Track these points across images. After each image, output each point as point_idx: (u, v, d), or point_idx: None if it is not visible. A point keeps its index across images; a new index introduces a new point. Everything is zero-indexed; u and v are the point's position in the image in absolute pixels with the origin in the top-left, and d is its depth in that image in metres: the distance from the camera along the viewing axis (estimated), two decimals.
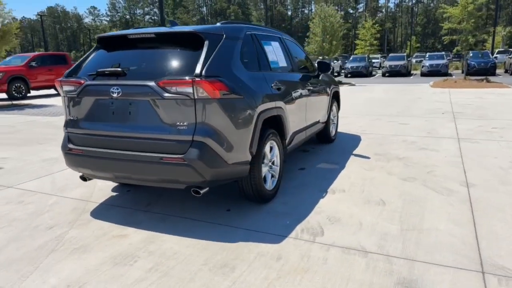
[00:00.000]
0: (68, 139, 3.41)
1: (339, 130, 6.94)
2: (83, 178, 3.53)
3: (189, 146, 2.89)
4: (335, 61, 28.39)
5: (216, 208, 3.58)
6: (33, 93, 16.12)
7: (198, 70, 2.88)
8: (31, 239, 3.08)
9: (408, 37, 53.26)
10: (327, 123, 5.73)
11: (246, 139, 3.18)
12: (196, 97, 2.84)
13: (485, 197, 3.66)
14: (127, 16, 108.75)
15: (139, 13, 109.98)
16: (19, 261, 2.74)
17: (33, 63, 15.89)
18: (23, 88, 15.37)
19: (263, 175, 3.52)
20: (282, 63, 4.22)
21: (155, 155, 2.96)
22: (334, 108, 6.10)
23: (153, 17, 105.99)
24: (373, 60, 33.22)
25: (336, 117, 6.28)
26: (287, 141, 4.04)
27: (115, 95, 3.03)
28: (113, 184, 4.24)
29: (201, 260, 2.68)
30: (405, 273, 2.45)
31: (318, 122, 5.29)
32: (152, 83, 2.90)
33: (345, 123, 7.73)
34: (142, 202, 3.77)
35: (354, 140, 6.23)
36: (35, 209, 3.70)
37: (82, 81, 3.21)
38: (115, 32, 3.47)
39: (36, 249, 2.91)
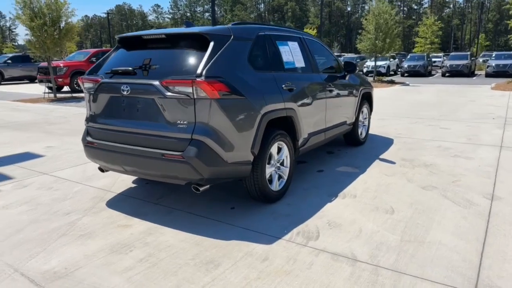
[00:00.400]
0: (87, 132, 3.67)
1: (373, 132, 6.75)
2: (101, 170, 3.78)
3: (188, 144, 2.99)
4: (391, 60, 27.30)
5: (221, 205, 3.66)
6: None
7: (199, 70, 2.97)
8: (48, 222, 3.36)
9: (477, 35, 49.54)
10: (355, 125, 5.59)
11: (248, 139, 3.22)
12: (195, 97, 2.94)
13: (507, 212, 3.39)
14: (188, 14, 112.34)
15: (199, 10, 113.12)
16: (32, 241, 3.01)
17: (93, 59, 17.02)
18: None
19: (267, 175, 3.54)
20: (300, 63, 4.19)
21: (157, 151, 3.10)
22: (364, 109, 5.93)
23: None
24: (435, 59, 31.44)
25: (367, 119, 6.09)
26: (299, 142, 4.01)
27: (125, 92, 3.22)
28: (134, 176, 4.48)
29: (191, 255, 2.77)
30: (388, 286, 2.37)
31: (344, 123, 5.18)
32: (156, 82, 3.04)
33: (382, 125, 7.47)
34: (155, 195, 3.95)
35: (385, 144, 6.01)
36: (60, 195, 4.02)
37: (99, 79, 3.44)
38: (132, 33, 3.65)
39: (49, 232, 3.17)
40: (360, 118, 5.80)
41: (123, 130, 3.32)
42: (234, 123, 3.10)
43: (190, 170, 3.00)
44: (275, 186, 3.69)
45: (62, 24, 13.35)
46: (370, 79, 19.49)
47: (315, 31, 32.63)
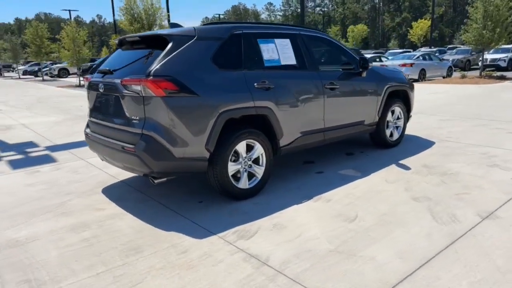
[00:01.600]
0: (87, 125, 4.19)
1: (420, 134, 6.16)
2: (101, 158, 4.27)
3: (139, 138, 3.23)
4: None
5: (191, 198, 3.83)
6: None
7: (149, 70, 3.18)
8: (47, 200, 3.95)
9: None
10: (379, 125, 5.18)
11: (201, 136, 3.32)
12: (143, 94, 3.16)
13: (489, 235, 2.87)
14: (299, 10, 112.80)
15: (311, 5, 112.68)
16: (23, 214, 3.60)
17: None
18: None
19: (232, 172, 3.58)
20: (288, 61, 4.08)
21: (120, 143, 3.41)
22: (397, 109, 5.43)
23: (323, 9, 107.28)
24: None
25: (401, 120, 5.56)
26: (280, 141, 3.94)
27: (101, 90, 3.61)
28: None
29: (126, 240, 3.02)
30: None
31: (359, 123, 4.86)
32: (117, 81, 3.34)
33: (437, 127, 6.72)
34: (148, 184, 4.30)
35: (421, 147, 5.43)
36: (77, 178, 4.64)
37: (90, 78, 3.90)
38: (123, 36, 4.03)
39: (42, 208, 3.74)
40: (390, 118, 5.33)
41: (102, 124, 3.73)
42: (183, 120, 3.23)
43: (140, 163, 3.24)
44: (243, 184, 3.70)
45: (156, 28, 14.84)
46: (473, 73, 17.31)
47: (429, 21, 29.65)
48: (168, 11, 15.52)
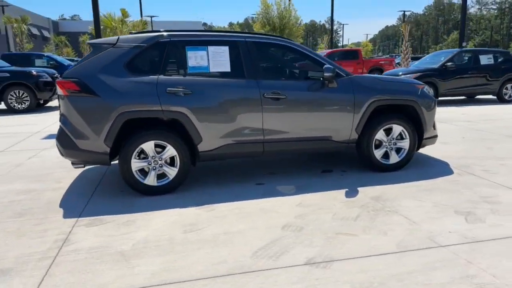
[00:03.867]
0: None
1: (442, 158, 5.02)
2: None
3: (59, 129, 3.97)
4: None
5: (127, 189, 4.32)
6: None
7: (65, 72, 3.86)
8: (33, 181, 5.07)
9: None
10: (361, 144, 4.52)
11: (99, 132, 3.80)
12: (58, 93, 3.86)
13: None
14: None
15: None
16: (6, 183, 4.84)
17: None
18: None
19: (137, 169, 3.93)
20: (220, 68, 4.09)
21: None
22: (395, 127, 4.57)
23: None
24: None
25: (405, 141, 4.63)
26: (199, 146, 4.04)
27: None
28: None
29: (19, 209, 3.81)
30: None
31: (323, 139, 4.39)
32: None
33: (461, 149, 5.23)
34: None
35: (423, 173, 4.44)
36: (80, 170, 5.56)
37: None
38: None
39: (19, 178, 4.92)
40: (381, 137, 4.55)
41: None
42: (84, 116, 3.79)
43: (57, 150, 3.98)
44: (151, 181, 3.99)
45: (287, 31, 15.48)
46: None
47: None
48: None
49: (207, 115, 4.01)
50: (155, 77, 3.93)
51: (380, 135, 4.56)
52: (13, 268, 2.64)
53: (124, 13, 16.17)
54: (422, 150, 5.46)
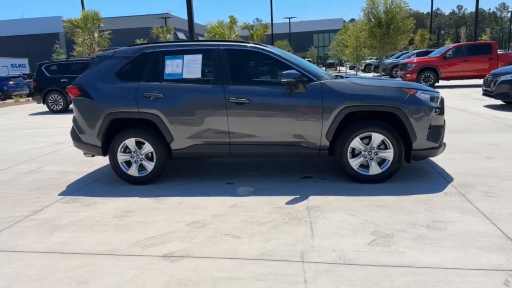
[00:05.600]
0: None
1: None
2: None
3: None
4: None
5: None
6: (441, 82, 16.86)
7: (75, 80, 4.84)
8: (74, 165, 6.29)
9: None
10: (334, 151, 4.32)
11: (93, 128, 4.65)
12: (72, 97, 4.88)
13: None
14: None
15: None
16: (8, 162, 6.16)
17: (449, 54, 16.54)
18: (432, 77, 16.59)
19: (122, 161, 4.68)
20: (192, 75, 4.47)
21: None
22: (376, 136, 4.19)
23: None
24: None
25: (389, 152, 4.19)
26: (171, 145, 4.55)
27: None
28: None
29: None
30: None
31: (293, 144, 4.36)
32: None
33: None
34: None
35: (404, 188, 4.00)
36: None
37: None
38: None
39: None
40: (358, 145, 4.25)
41: None
42: (83, 115, 4.70)
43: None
44: (133, 172, 4.69)
45: (392, 26, 14.43)
46: None
47: None
48: None
49: (177, 117, 4.47)
50: (137, 83, 4.59)
51: (356, 143, 4.25)
52: None
53: (232, 20, 17.58)
54: (441, 162, 4.79)
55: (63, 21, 17.34)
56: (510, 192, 3.86)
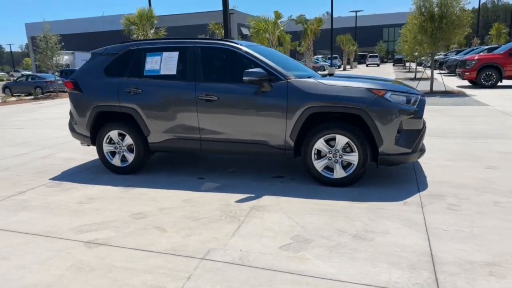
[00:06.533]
0: None
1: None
2: None
3: None
4: None
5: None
6: (505, 82, 15.29)
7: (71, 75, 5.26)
8: (84, 153, 6.79)
9: None
10: (299, 152, 4.25)
11: (83, 120, 5.04)
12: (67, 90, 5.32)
13: None
14: None
15: None
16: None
17: None
18: (494, 76, 15.14)
19: (106, 151, 5.02)
20: (168, 71, 4.63)
21: None
22: (340, 138, 4.03)
23: None
24: None
25: (353, 155, 4.01)
26: (148, 138, 4.79)
27: None
28: None
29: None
30: None
31: (260, 143, 4.35)
32: None
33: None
34: None
35: (367, 194, 3.82)
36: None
37: None
38: None
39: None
40: (322, 147, 4.11)
41: None
42: (76, 107, 5.11)
43: None
44: (116, 162, 5.00)
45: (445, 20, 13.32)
46: None
47: None
48: None
49: (153, 111, 4.68)
50: (120, 79, 4.87)
51: (320, 145, 4.12)
52: None
53: (277, 15, 17.44)
54: (429, 167, 4.48)
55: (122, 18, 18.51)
56: (478, 207, 3.49)
